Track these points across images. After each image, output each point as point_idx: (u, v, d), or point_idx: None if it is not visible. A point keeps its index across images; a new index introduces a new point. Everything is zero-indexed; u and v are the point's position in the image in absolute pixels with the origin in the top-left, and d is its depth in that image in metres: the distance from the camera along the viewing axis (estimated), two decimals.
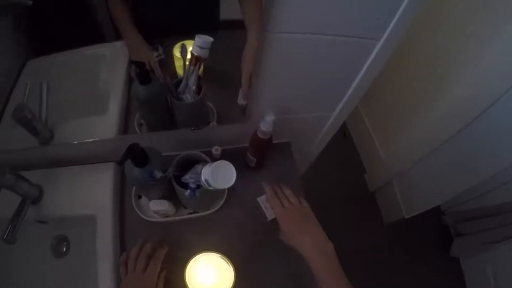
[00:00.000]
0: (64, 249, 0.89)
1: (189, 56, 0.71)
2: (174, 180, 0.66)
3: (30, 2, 0.73)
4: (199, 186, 0.62)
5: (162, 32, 0.78)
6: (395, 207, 1.68)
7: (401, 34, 0.59)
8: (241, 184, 0.82)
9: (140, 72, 0.67)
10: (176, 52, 0.76)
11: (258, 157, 0.80)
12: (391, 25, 0.57)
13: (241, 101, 0.80)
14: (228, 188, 0.81)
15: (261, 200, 0.83)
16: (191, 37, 0.71)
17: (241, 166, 0.86)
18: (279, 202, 0.66)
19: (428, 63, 1.35)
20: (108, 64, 0.89)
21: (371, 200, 1.86)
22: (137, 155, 0.58)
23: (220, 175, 0.57)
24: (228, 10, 0.80)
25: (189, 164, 0.70)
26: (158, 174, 0.60)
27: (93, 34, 0.83)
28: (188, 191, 0.61)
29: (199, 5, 0.79)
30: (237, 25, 0.75)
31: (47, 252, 0.88)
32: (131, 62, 0.73)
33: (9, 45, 0.82)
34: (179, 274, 0.69)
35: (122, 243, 0.80)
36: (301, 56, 0.63)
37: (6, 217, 0.72)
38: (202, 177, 0.58)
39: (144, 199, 0.81)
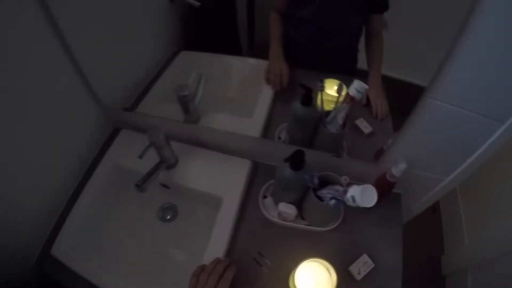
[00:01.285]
0: (168, 217, 1.04)
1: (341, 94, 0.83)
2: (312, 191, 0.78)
3: (198, 4, 0.92)
4: (338, 201, 0.73)
5: (305, 65, 0.94)
6: None
7: None
8: (353, 216, 0.92)
9: (305, 95, 0.82)
10: (329, 88, 0.89)
11: (377, 198, 0.89)
12: None
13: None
14: (343, 217, 0.91)
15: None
16: (331, 76, 0.86)
17: None
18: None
19: None
20: (252, 76, 1.06)
21: (441, 283, 1.80)
22: (300, 160, 0.72)
23: (366, 195, 0.67)
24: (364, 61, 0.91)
25: (323, 182, 0.82)
26: (316, 180, 0.72)
27: (235, 46, 1.01)
28: (334, 201, 0.72)
29: (342, 57, 0.93)
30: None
31: (154, 213, 1.04)
32: (299, 85, 0.87)
33: (170, 33, 1.04)
34: (283, 275, 0.80)
35: (236, 231, 0.92)
36: (441, 123, 0.73)
37: (142, 172, 0.89)
38: (349, 194, 0.69)
39: (268, 200, 0.93)
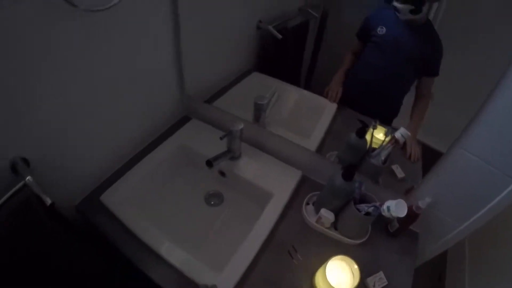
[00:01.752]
0: (213, 202, 1.23)
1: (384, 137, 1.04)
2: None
3: (280, 36, 1.17)
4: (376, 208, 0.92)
5: (355, 106, 1.15)
6: None
7: None
8: (377, 240, 1.09)
9: (361, 128, 1.03)
10: (378, 132, 1.10)
11: (401, 225, 1.06)
12: None
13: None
14: (368, 237, 1.08)
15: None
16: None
17: (382, 229, 1.12)
18: None
19: None
20: (308, 105, 1.30)
21: None
22: (352, 172, 0.92)
23: (399, 206, 0.87)
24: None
25: (362, 199, 1.00)
26: (363, 186, 0.92)
27: (295, 79, 1.26)
28: (373, 207, 0.91)
29: (388, 103, 1.13)
30: None
31: (201, 195, 1.25)
32: (358, 120, 1.06)
33: (250, 54, 1.32)
34: (309, 270, 0.97)
35: (277, 225, 1.09)
36: (466, 173, 0.91)
37: (204, 155, 1.09)
38: (385, 205, 0.88)
39: (310, 207, 1.12)
